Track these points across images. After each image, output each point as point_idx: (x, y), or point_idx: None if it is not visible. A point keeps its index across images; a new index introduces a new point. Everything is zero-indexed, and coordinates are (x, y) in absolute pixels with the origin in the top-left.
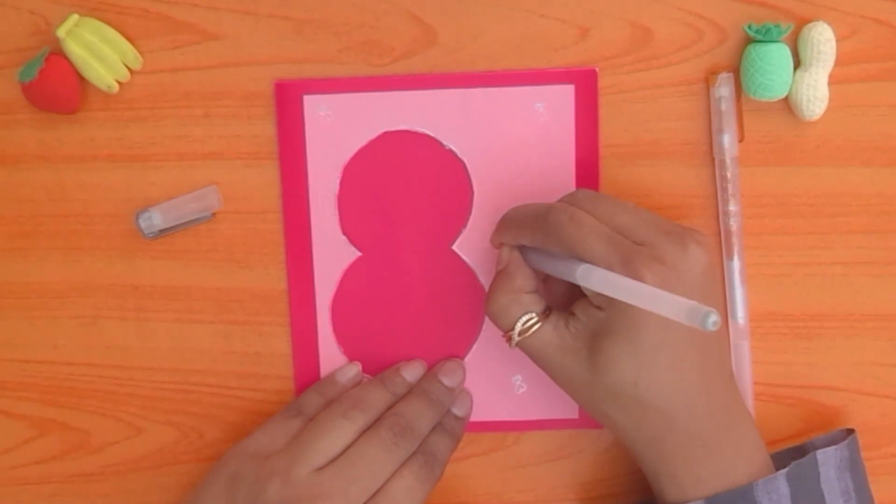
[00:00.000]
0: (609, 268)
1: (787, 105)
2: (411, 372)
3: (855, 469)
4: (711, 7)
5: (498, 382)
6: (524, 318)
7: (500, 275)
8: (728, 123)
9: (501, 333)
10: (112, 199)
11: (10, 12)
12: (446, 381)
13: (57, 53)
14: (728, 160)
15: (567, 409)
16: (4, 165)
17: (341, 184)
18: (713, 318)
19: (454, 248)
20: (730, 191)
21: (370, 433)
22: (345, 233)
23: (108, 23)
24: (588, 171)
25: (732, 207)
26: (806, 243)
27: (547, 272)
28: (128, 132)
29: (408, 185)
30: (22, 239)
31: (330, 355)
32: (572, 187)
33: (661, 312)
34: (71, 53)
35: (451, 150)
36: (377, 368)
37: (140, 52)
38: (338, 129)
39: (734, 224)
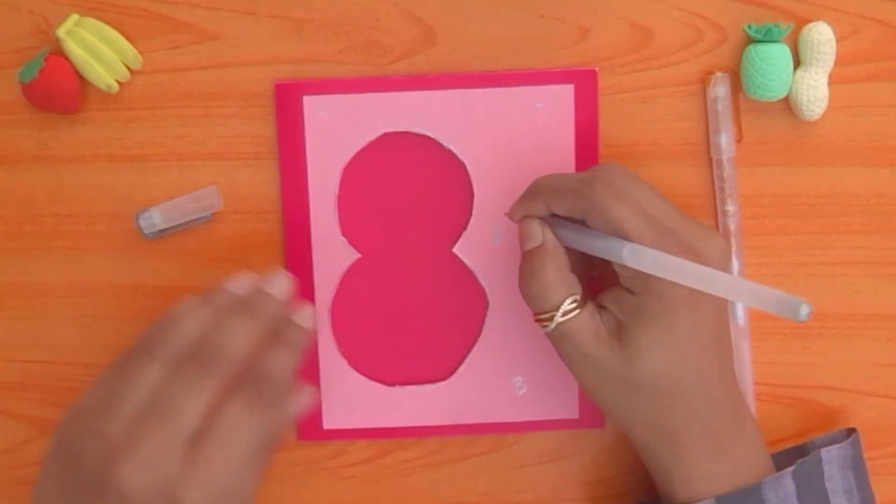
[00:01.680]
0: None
1: (787, 105)
2: (236, 285)
3: (857, 468)
4: (711, 7)
5: (498, 384)
6: (570, 300)
7: (538, 252)
8: (724, 123)
9: (534, 316)
10: (112, 199)
11: (10, 12)
12: (269, 289)
13: (57, 53)
14: (725, 160)
15: (567, 409)
16: (4, 165)
17: (341, 185)
18: (806, 309)
19: (454, 250)
20: (727, 191)
21: (171, 370)
22: (344, 234)
23: (108, 23)
24: None
25: (730, 207)
26: (806, 243)
27: (578, 248)
28: (128, 132)
29: (408, 186)
30: (22, 239)
31: (329, 356)
32: None
33: (739, 301)
34: (71, 53)
35: (451, 151)
36: (377, 370)
37: (140, 52)
38: (338, 129)
39: (732, 224)
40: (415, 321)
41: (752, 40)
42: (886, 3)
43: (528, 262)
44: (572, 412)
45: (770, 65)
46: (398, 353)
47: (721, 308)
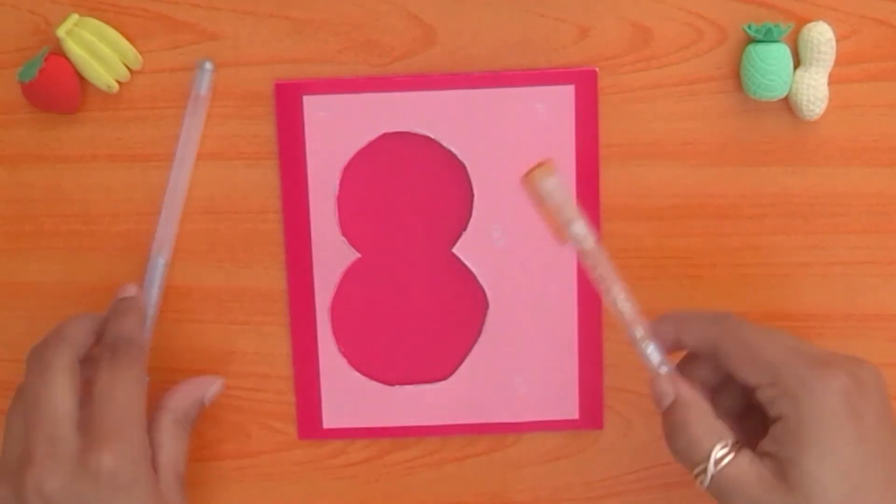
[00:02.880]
0: (796, 369)
1: (787, 105)
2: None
3: None
4: (711, 7)
5: (498, 384)
6: (719, 446)
7: (675, 407)
8: (573, 212)
9: (690, 473)
10: (112, 199)
11: (10, 12)
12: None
13: (57, 53)
14: (588, 249)
15: (567, 409)
16: (4, 165)
17: (341, 185)
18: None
19: (454, 250)
20: (609, 280)
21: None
22: (344, 234)
23: (108, 23)
24: (588, 171)
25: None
26: (806, 243)
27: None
28: (128, 132)
29: (408, 186)
30: (22, 239)
31: (329, 356)
32: (572, 188)
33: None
34: (71, 53)
35: (451, 152)
36: (377, 370)
37: (140, 52)
38: (337, 129)
39: None
40: (415, 321)
41: (752, 40)
42: (886, 3)
43: (668, 419)
44: (572, 412)
45: (770, 65)
46: (398, 353)
47: (885, 404)
